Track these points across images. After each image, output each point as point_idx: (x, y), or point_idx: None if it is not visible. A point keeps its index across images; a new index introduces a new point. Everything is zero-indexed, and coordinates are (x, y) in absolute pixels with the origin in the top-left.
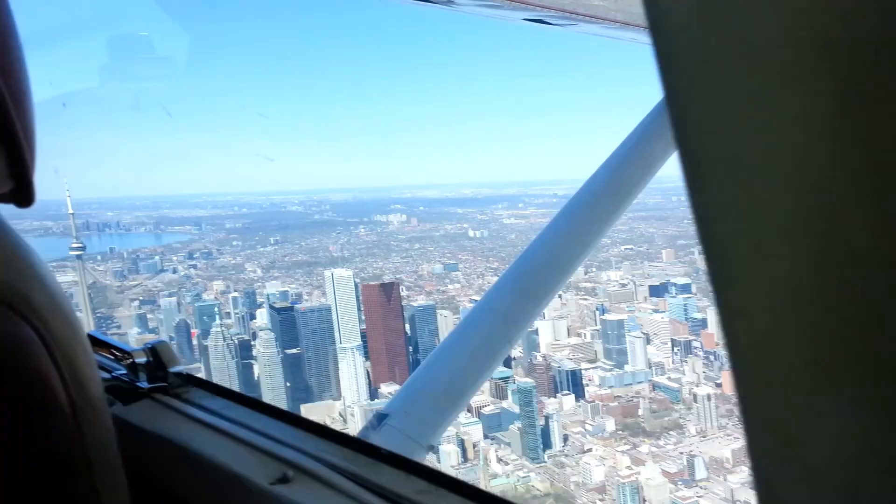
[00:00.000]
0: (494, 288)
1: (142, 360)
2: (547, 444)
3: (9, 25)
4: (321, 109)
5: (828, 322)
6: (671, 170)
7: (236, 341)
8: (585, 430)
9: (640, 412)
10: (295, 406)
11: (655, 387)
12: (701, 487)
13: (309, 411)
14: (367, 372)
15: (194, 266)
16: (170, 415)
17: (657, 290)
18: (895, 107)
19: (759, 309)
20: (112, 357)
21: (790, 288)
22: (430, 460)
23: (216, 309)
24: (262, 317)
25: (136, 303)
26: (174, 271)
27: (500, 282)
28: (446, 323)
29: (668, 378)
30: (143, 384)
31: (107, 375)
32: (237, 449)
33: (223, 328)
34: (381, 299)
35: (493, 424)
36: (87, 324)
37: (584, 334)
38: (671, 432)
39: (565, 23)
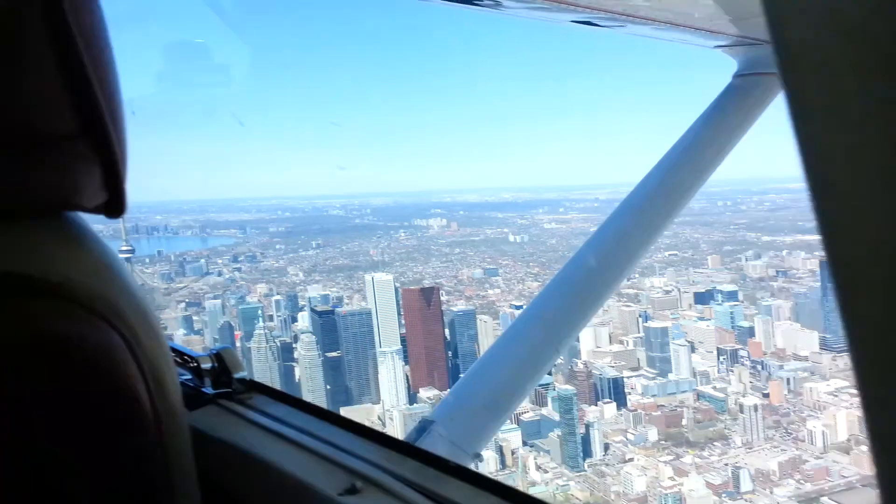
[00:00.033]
0: (541, 295)
1: (207, 365)
2: (587, 453)
3: (104, 38)
4: (361, 114)
5: None
6: (717, 174)
7: (278, 343)
8: (627, 439)
9: (684, 422)
10: (335, 409)
11: (700, 396)
12: (746, 500)
13: (348, 414)
14: (407, 376)
15: (238, 269)
16: (235, 420)
17: (702, 298)
18: None
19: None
20: (177, 362)
21: None
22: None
23: (259, 311)
24: (304, 320)
25: (183, 305)
26: (219, 274)
27: (547, 289)
28: (486, 328)
29: (714, 387)
30: (208, 390)
31: None
32: (304, 457)
33: (266, 330)
34: (421, 304)
35: (533, 431)
36: None
37: (627, 342)
38: (716, 443)
39: (614, 24)
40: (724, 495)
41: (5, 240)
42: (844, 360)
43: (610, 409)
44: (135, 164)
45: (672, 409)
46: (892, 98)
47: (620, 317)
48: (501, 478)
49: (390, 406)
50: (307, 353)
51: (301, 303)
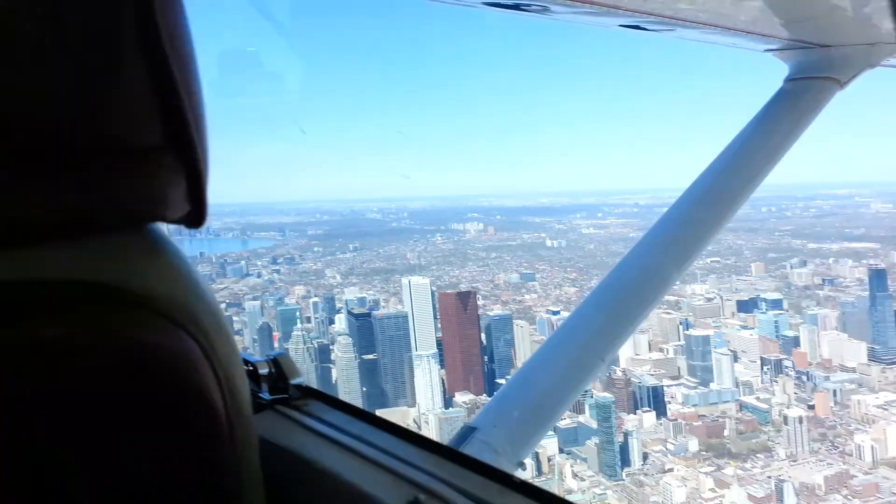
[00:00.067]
0: (586, 302)
1: (264, 370)
2: (625, 462)
3: (191, 48)
4: (401, 118)
5: None
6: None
7: (316, 345)
8: (667, 448)
9: (726, 433)
10: (370, 410)
11: (742, 407)
12: None
13: (383, 416)
14: (442, 380)
15: (277, 271)
16: (293, 427)
17: (746, 306)
18: None
19: None
20: None
21: None
22: None
23: (297, 313)
24: (341, 322)
25: (223, 305)
26: (259, 276)
27: (593, 296)
28: (522, 333)
29: (757, 398)
30: (265, 395)
31: None
32: (365, 467)
33: (304, 332)
34: (458, 308)
35: (570, 439)
36: None
37: (667, 349)
38: (758, 455)
39: (663, 28)
40: None
41: (91, 251)
42: (895, 372)
43: (649, 417)
44: None
45: (714, 420)
46: None
47: (661, 324)
48: (537, 484)
49: (426, 409)
50: (344, 355)
51: (338, 305)
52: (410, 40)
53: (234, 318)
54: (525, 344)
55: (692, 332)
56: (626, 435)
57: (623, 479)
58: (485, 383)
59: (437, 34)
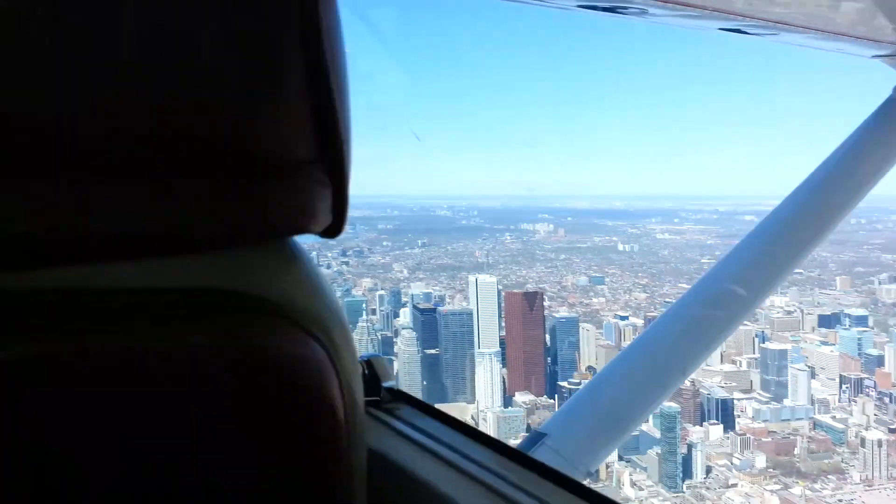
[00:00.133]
0: (670, 312)
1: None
2: (687, 474)
3: (344, 59)
4: (474, 116)
5: None
6: None
7: (380, 337)
8: (732, 463)
9: (797, 451)
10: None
11: (817, 425)
12: None
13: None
14: (503, 379)
15: (346, 263)
16: (384, 431)
17: (827, 321)
18: None
19: None
20: None
21: None
22: None
23: (363, 305)
24: (406, 316)
25: None
26: (328, 266)
27: (678, 305)
28: (588, 337)
29: (833, 417)
30: None
31: None
32: (461, 480)
33: (369, 324)
34: (524, 308)
35: (630, 446)
36: None
37: (740, 362)
38: (830, 476)
39: (766, 32)
40: None
41: (232, 261)
42: None
43: (716, 430)
44: None
45: (784, 437)
46: None
47: (735, 335)
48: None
49: (484, 407)
50: (407, 348)
51: (404, 299)
52: (488, 40)
53: None
54: (590, 348)
55: (768, 345)
56: (689, 446)
57: (683, 492)
58: (546, 385)
59: (515, 34)
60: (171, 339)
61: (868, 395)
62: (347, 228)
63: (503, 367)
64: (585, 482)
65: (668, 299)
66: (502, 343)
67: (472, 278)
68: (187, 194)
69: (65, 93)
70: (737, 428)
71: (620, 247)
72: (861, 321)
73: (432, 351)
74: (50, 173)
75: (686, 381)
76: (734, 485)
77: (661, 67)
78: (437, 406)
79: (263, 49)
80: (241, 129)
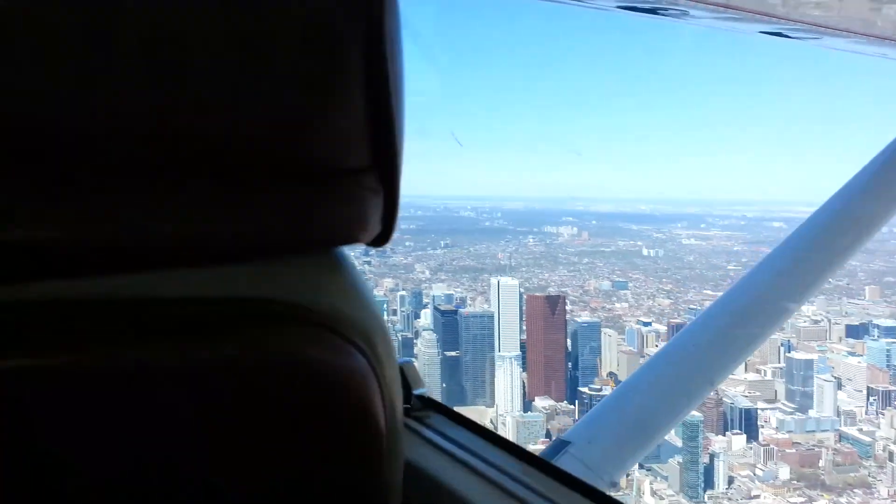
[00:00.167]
0: (698, 321)
1: None
2: (709, 484)
3: (402, 65)
4: (499, 117)
5: None
6: None
7: (399, 338)
8: (755, 474)
9: (822, 463)
10: (449, 406)
11: (842, 438)
12: None
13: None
14: (523, 383)
15: (369, 262)
16: (414, 440)
17: (855, 331)
18: None
19: None
20: None
21: None
22: None
23: (384, 305)
24: (426, 317)
25: None
26: None
27: (706, 314)
28: (610, 342)
29: (859, 430)
30: None
31: None
32: (497, 495)
33: (389, 324)
34: (545, 311)
35: (651, 455)
36: None
37: (764, 371)
38: (856, 490)
39: (808, 36)
40: None
41: (278, 270)
42: None
43: (739, 440)
44: None
45: (809, 448)
46: None
47: None
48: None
49: (504, 411)
50: (427, 349)
51: (425, 300)
52: (516, 39)
53: None
54: (612, 353)
55: (794, 354)
56: (711, 456)
57: (705, 502)
58: (566, 390)
59: (542, 33)
60: (211, 349)
61: None
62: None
63: (523, 371)
64: (609, 492)
65: (692, 306)
66: (523, 347)
67: (494, 280)
68: (235, 203)
69: (107, 97)
70: (760, 438)
71: (645, 251)
72: (890, 332)
73: (452, 353)
74: (93, 182)
75: None
76: (757, 496)
77: (694, 69)
78: (456, 409)
79: (324, 50)
80: (296, 135)
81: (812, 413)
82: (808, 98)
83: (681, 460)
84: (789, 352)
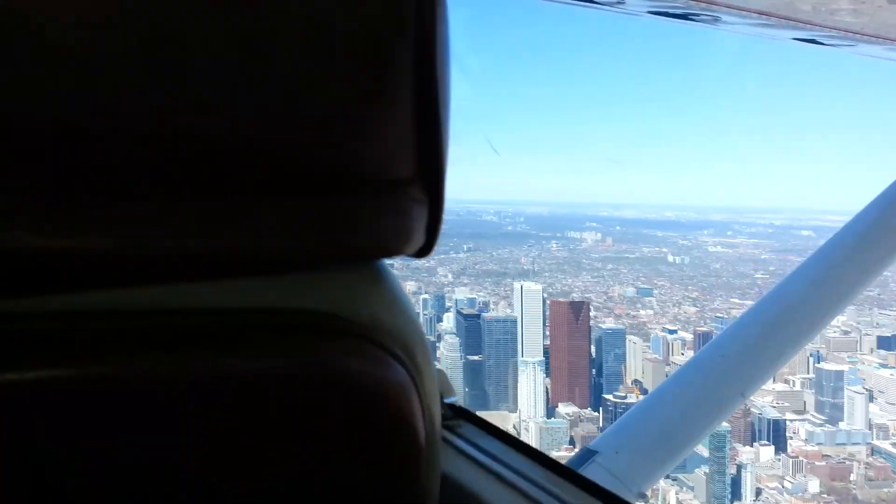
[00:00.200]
0: (729, 331)
1: None
2: (735, 495)
3: (450, 72)
4: (525, 121)
5: None
6: None
7: None
8: (783, 486)
9: (853, 477)
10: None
11: (874, 451)
12: None
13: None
14: (546, 389)
15: (391, 265)
16: (446, 450)
17: (887, 343)
18: None
19: None
20: None
21: None
22: None
23: None
24: (449, 321)
25: None
26: None
27: (738, 324)
28: (635, 349)
29: (893, 444)
30: None
31: None
32: None
33: None
34: (569, 317)
35: (678, 465)
36: None
37: (793, 381)
38: None
39: (842, 43)
40: None
41: (318, 281)
42: None
43: (767, 451)
44: None
45: (840, 462)
46: None
47: None
48: None
49: (527, 417)
50: (449, 353)
51: (448, 304)
52: (548, 44)
53: None
54: (637, 361)
55: (824, 365)
56: (739, 467)
57: None
58: (590, 397)
59: (572, 38)
60: (251, 360)
61: None
62: None
63: (546, 376)
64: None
65: (719, 314)
66: (546, 352)
67: (517, 285)
68: (280, 214)
69: (149, 106)
70: (789, 450)
71: (670, 258)
72: None
73: (475, 357)
74: (142, 191)
75: None
76: None
77: (725, 75)
78: (479, 413)
79: (373, 59)
80: (344, 145)
81: (843, 425)
82: (841, 105)
83: (707, 471)
84: (819, 362)
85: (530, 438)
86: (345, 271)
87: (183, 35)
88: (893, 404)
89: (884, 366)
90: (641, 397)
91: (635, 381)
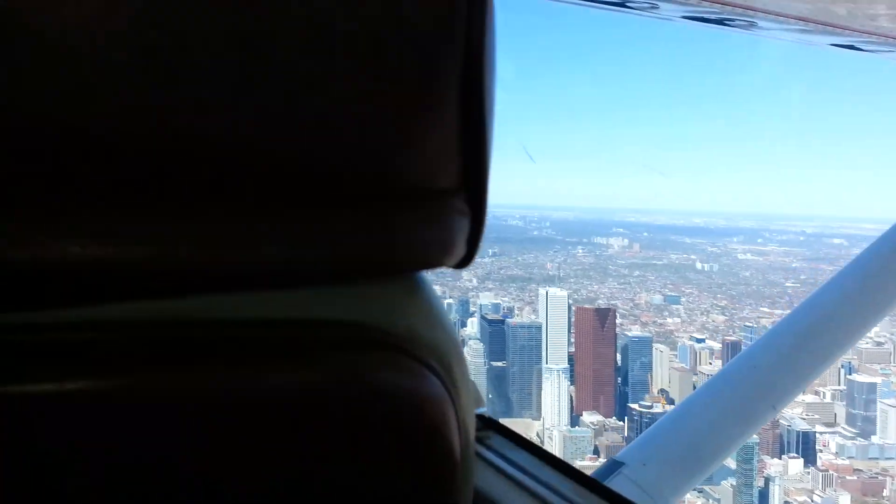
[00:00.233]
0: (759, 343)
1: None
2: None
3: (495, 75)
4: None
5: None
6: None
7: None
8: (812, 500)
9: (886, 493)
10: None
11: None
12: None
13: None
14: (571, 397)
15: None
16: (475, 461)
17: None
18: None
19: None
20: None
21: None
22: None
23: None
24: (473, 326)
25: None
26: None
27: (770, 335)
28: (662, 358)
29: None
30: None
31: None
32: None
33: None
34: (595, 324)
35: (706, 477)
36: None
37: (823, 393)
38: None
39: (881, 49)
40: None
41: (356, 292)
42: None
43: (796, 464)
44: None
45: (872, 476)
46: None
47: None
48: None
49: (550, 425)
50: (473, 359)
51: (472, 309)
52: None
53: None
54: (663, 369)
55: (856, 377)
56: (767, 480)
57: None
58: (615, 406)
59: (601, 42)
60: (286, 373)
61: None
62: None
63: (571, 384)
64: None
65: (748, 323)
66: (571, 359)
67: (542, 291)
68: (318, 224)
69: (187, 109)
70: (819, 463)
71: (699, 265)
72: None
73: (499, 363)
74: (175, 201)
75: None
76: None
77: (758, 79)
78: (502, 421)
79: (420, 67)
80: (389, 155)
81: (875, 439)
82: (880, 111)
83: (734, 483)
84: (850, 374)
85: (554, 447)
86: (383, 283)
87: (217, 34)
88: None
89: None
90: (667, 407)
91: (661, 391)
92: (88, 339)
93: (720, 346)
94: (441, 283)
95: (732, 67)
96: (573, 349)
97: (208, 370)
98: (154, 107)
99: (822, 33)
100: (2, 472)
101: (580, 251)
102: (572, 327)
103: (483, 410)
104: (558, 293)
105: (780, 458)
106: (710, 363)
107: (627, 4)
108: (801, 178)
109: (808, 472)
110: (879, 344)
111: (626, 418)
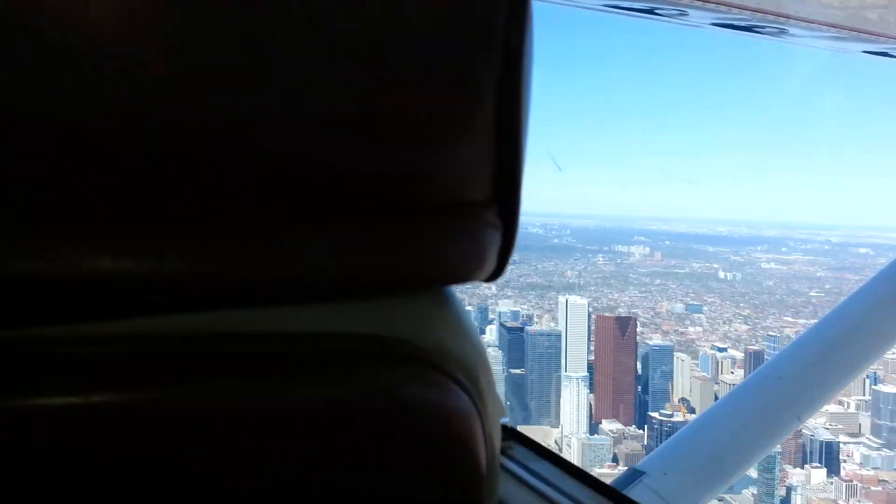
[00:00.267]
0: (784, 353)
1: None
2: None
3: (531, 87)
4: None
5: None
6: None
7: None
8: None
9: None
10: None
11: None
12: None
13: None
14: (590, 405)
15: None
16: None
17: None
18: None
19: None
20: None
21: None
22: None
23: None
24: (491, 333)
25: None
26: None
27: (795, 346)
28: (683, 367)
29: None
30: None
31: None
32: None
33: None
34: (615, 333)
35: (727, 487)
36: None
37: (847, 403)
38: None
39: None
40: None
41: (383, 306)
42: None
43: (818, 474)
44: None
45: None
46: None
47: None
48: None
49: (569, 432)
50: (492, 366)
51: (491, 316)
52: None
53: None
54: (684, 379)
55: (881, 387)
56: (788, 489)
57: None
58: (635, 414)
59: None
60: (310, 387)
61: None
62: None
63: (590, 392)
64: None
65: (771, 332)
66: (590, 367)
67: (561, 299)
68: (349, 237)
69: (223, 125)
70: (842, 473)
71: (721, 274)
72: None
73: (518, 371)
74: (199, 213)
75: None
76: None
77: (783, 86)
78: (520, 428)
79: (455, 76)
80: (422, 166)
81: None
82: None
83: (755, 492)
84: (876, 384)
85: (572, 454)
86: (412, 297)
87: (268, 33)
88: None
89: None
90: (688, 416)
91: (682, 400)
92: (114, 352)
93: (742, 355)
94: (459, 290)
95: (761, 74)
96: (593, 357)
97: (235, 384)
98: (154, 107)
99: (854, 40)
100: (24, 486)
101: (600, 259)
102: (592, 335)
103: (505, 421)
104: (578, 301)
105: (803, 468)
106: (732, 372)
107: (656, 11)
108: (831, 186)
109: (832, 482)
110: None
111: (645, 427)
